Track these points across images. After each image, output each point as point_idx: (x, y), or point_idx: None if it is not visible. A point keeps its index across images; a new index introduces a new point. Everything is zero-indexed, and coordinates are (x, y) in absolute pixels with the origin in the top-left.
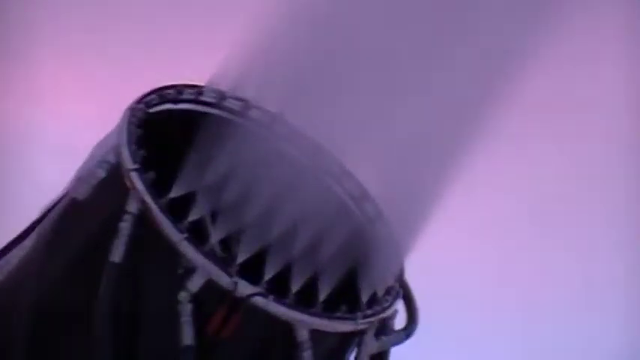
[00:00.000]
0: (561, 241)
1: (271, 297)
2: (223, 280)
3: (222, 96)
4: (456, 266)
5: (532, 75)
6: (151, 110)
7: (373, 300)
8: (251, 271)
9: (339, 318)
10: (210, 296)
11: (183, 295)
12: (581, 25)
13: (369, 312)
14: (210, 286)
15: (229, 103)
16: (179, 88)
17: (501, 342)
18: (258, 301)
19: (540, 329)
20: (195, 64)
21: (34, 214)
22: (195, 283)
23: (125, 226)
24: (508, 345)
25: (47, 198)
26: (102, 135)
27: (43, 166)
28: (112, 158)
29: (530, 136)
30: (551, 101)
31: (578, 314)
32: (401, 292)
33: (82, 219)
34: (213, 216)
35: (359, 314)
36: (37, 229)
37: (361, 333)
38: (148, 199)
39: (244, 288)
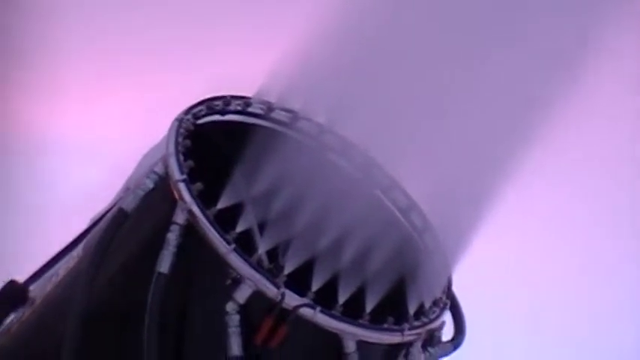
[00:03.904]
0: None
1: (318, 308)
2: (270, 291)
3: (269, 107)
4: (504, 278)
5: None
6: (199, 122)
7: (420, 311)
8: (298, 281)
9: (386, 329)
10: (258, 307)
11: (230, 306)
12: None
13: (416, 323)
14: (257, 297)
15: (277, 115)
16: (227, 100)
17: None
18: (306, 312)
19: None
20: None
21: (57, 214)
22: (242, 294)
23: (172, 236)
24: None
25: (71, 198)
26: (125, 133)
27: (65, 165)
28: (159, 169)
29: (592, 143)
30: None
31: None
32: (448, 304)
33: (129, 230)
34: (261, 227)
35: (406, 325)
36: (85, 240)
37: (408, 344)
38: (196, 209)
39: (291, 299)
